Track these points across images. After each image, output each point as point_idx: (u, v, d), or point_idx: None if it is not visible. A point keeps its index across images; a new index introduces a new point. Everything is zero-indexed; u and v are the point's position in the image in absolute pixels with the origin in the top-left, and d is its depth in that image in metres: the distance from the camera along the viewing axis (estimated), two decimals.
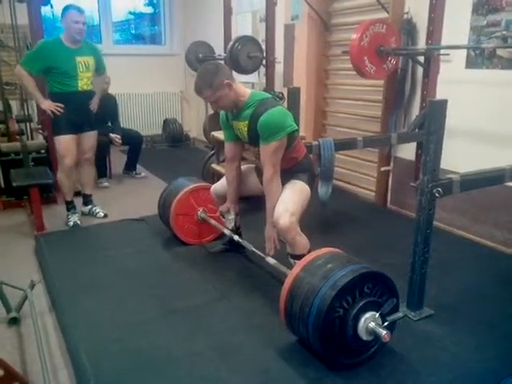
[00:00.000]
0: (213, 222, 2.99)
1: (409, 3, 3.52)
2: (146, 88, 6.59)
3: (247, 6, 5.30)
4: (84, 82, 3.40)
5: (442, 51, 3.27)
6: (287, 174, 2.41)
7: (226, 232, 2.82)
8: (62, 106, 3.34)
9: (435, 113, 2.01)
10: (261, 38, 4.78)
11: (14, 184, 3.36)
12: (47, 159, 4.03)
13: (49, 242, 3.17)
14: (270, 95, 2.43)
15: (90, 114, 3.57)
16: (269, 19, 4.39)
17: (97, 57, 3.50)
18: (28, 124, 4.52)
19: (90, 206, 3.82)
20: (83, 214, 3.78)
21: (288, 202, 2.30)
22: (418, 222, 2.13)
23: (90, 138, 3.63)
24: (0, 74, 4.14)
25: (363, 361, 1.89)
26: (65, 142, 3.43)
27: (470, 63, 3.15)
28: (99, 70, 3.58)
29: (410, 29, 3.50)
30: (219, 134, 3.73)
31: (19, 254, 3.08)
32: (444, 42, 3.29)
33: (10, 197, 4.01)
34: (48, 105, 3.35)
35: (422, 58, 3.43)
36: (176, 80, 6.81)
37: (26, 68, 3.25)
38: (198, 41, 5.61)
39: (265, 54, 4.51)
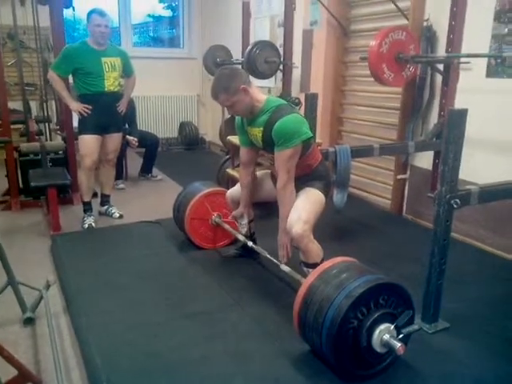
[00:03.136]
0: (227, 226, 2.99)
1: (429, 10, 3.49)
2: (163, 91, 6.63)
3: (266, 11, 5.30)
4: (111, 83, 3.47)
5: (462, 59, 3.23)
6: (302, 181, 2.40)
7: (240, 237, 2.82)
8: (90, 107, 3.42)
9: (455, 122, 1.98)
10: (279, 43, 4.78)
11: (32, 184, 3.41)
12: (65, 160, 4.07)
13: (64, 242, 3.21)
14: (286, 102, 2.42)
15: (117, 115, 3.64)
16: (287, 24, 4.38)
17: (124, 58, 3.59)
18: (47, 125, 4.58)
19: (106, 206, 3.86)
20: (100, 213, 3.83)
21: (301, 209, 2.29)
22: (434, 232, 2.10)
23: (115, 139, 3.70)
24: (22, 75, 4.21)
25: (377, 373, 1.86)
26: (88, 142, 3.49)
27: (491, 72, 3.11)
28: (127, 71, 3.67)
29: (429, 36, 3.46)
30: (235, 139, 3.73)
31: (35, 254, 3.11)
32: (464, 49, 3.24)
33: (28, 196, 4.06)
34: (76, 106, 3.45)
35: (441, 66, 3.39)
36: (193, 83, 6.85)
37: (56, 71, 3.40)
38: (216, 45, 5.61)
39: (282, 59, 4.51)
